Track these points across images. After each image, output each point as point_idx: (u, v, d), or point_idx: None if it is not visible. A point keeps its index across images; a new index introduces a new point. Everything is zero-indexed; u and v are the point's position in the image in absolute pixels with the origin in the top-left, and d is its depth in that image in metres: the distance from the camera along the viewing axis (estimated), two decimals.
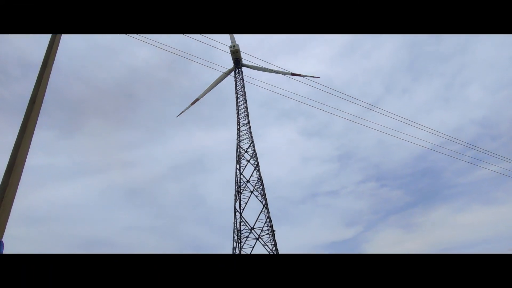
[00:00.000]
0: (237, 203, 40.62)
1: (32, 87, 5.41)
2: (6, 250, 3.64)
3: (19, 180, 4.88)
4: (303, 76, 43.71)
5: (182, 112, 47.30)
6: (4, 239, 3.81)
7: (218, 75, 48.14)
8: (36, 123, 4.85)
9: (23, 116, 5.33)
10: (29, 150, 5.08)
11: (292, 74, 44.48)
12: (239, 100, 48.53)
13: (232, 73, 48.85)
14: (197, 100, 47.05)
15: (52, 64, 5.10)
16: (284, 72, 45.15)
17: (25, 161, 4.84)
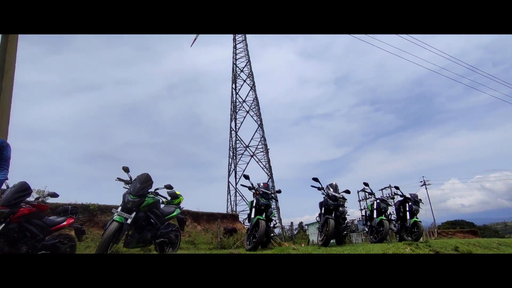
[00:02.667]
0: (233, 122, 41.33)
1: None
2: (16, 161, 3.80)
3: (13, 84, 4.82)
4: None
5: (195, 40, 44.28)
6: (11, 155, 3.88)
7: None
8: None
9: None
10: (18, 64, 4.89)
11: None
12: None
13: None
14: None
15: None
16: None
17: (15, 64, 4.71)
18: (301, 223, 36.46)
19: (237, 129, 40.82)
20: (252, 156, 38.96)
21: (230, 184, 38.76)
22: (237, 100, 41.96)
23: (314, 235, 23.44)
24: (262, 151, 39.10)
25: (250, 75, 42.43)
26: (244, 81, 42.39)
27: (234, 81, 42.99)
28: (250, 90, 41.79)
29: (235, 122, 41.18)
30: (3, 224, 4.66)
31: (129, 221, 4.88)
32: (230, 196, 38.30)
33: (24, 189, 5.06)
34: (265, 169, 37.95)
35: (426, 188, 42.37)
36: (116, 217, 4.81)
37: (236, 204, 37.38)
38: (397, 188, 9.02)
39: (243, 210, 34.42)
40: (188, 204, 19.89)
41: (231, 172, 39.25)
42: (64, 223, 5.65)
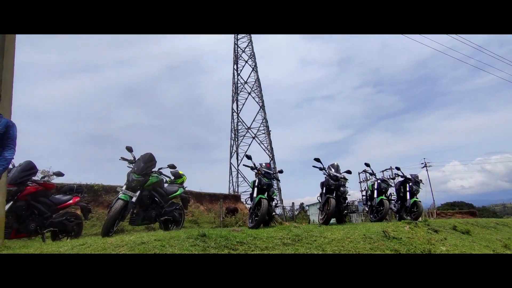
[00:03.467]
0: (235, 104, 41.09)
1: None
2: (18, 142, 3.81)
3: (13, 64, 4.79)
4: None
5: None
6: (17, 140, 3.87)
7: None
8: None
9: None
10: (17, 44, 4.84)
11: None
12: None
13: None
14: None
15: None
16: None
17: (15, 43, 4.66)
18: (302, 204, 36.92)
19: (238, 111, 40.65)
20: (253, 138, 39.01)
21: (232, 166, 39.05)
22: (238, 82, 41.53)
23: (314, 215, 23.85)
24: (264, 133, 39.10)
25: (252, 55, 41.75)
26: (246, 62, 41.78)
27: (235, 62, 42.37)
28: (252, 71, 41.26)
29: (237, 103, 40.94)
30: (11, 202, 4.78)
31: (134, 199, 4.97)
32: (232, 177, 38.67)
33: (30, 168, 5.15)
34: (266, 151, 38.10)
35: (427, 170, 42.57)
36: (121, 195, 4.90)
37: (238, 185, 37.81)
38: (398, 169, 9.08)
39: (245, 191, 34.85)
40: (191, 185, 20.14)
41: (232, 153, 39.43)
42: (71, 201, 5.77)
